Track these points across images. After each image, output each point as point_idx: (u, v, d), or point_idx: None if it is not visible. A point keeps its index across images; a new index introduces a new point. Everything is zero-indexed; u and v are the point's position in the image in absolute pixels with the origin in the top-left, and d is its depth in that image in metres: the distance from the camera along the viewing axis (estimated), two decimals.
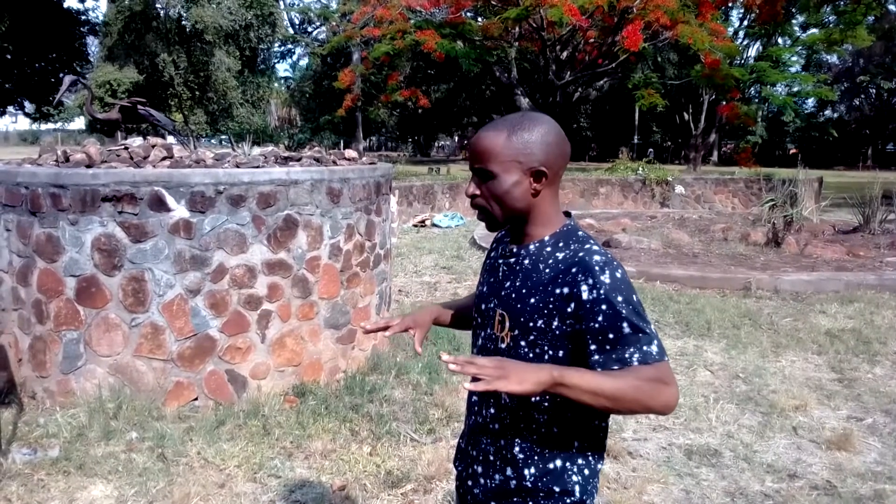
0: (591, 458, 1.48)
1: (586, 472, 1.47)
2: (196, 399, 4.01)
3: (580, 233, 1.46)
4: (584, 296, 1.34)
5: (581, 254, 1.38)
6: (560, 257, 1.41)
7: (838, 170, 35.01)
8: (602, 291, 1.33)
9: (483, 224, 1.56)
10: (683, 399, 4.30)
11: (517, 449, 1.46)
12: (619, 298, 1.33)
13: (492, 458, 1.51)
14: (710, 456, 3.58)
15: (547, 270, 1.42)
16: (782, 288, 7.00)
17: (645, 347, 1.32)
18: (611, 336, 1.32)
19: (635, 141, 35.85)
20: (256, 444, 3.57)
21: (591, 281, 1.34)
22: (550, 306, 1.38)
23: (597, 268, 1.34)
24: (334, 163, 4.88)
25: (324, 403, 4.04)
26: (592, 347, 1.34)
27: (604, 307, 1.33)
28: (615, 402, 1.28)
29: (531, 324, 1.41)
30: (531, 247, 1.47)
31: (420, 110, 35.45)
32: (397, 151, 43.58)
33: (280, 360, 4.22)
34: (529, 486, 1.45)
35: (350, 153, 5.39)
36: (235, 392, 4.08)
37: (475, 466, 1.55)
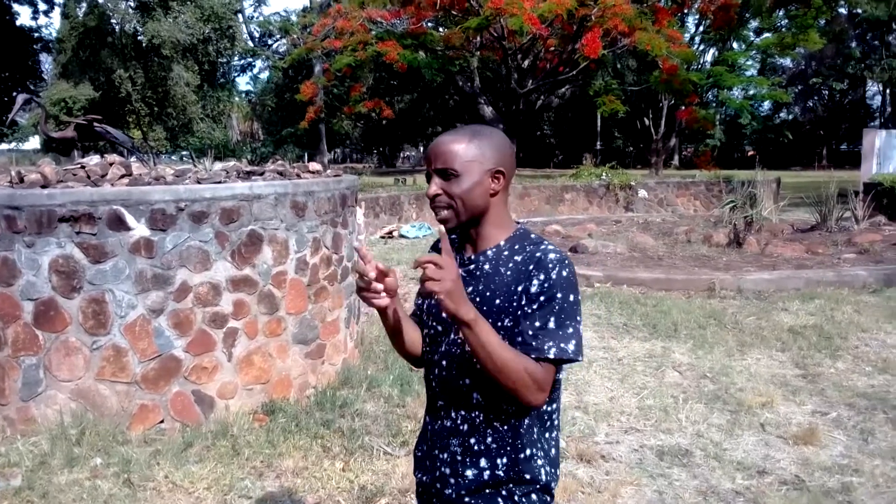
0: (548, 442, 1.57)
1: (552, 453, 1.58)
2: (162, 421, 3.92)
3: (533, 235, 1.57)
4: (533, 289, 1.46)
5: (538, 254, 1.49)
6: (518, 259, 1.52)
7: (795, 170, 35.88)
8: (546, 286, 1.45)
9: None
10: (653, 400, 4.35)
11: (490, 440, 1.53)
12: (559, 295, 1.45)
13: (460, 457, 1.55)
14: (681, 456, 3.62)
15: (508, 273, 1.51)
16: (745, 287, 7.13)
17: (562, 344, 1.44)
18: (538, 324, 1.44)
19: (598, 147, 36.29)
20: (226, 465, 3.50)
21: (541, 276, 1.46)
22: (515, 304, 1.48)
23: (549, 265, 1.46)
24: (298, 176, 4.84)
25: (294, 420, 3.98)
26: (518, 328, 1.45)
27: (542, 299, 1.45)
28: (497, 372, 1.40)
29: (498, 324, 1.49)
30: (489, 252, 1.56)
31: (384, 121, 35.45)
32: (362, 163, 43.46)
33: (248, 378, 4.15)
34: (502, 475, 1.52)
35: (314, 166, 5.35)
36: (202, 413, 4.00)
37: (443, 469, 1.58)
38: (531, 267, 1.47)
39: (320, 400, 4.30)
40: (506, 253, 1.54)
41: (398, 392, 4.42)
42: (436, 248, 1.72)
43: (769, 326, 5.87)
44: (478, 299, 1.51)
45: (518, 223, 1.60)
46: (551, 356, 1.42)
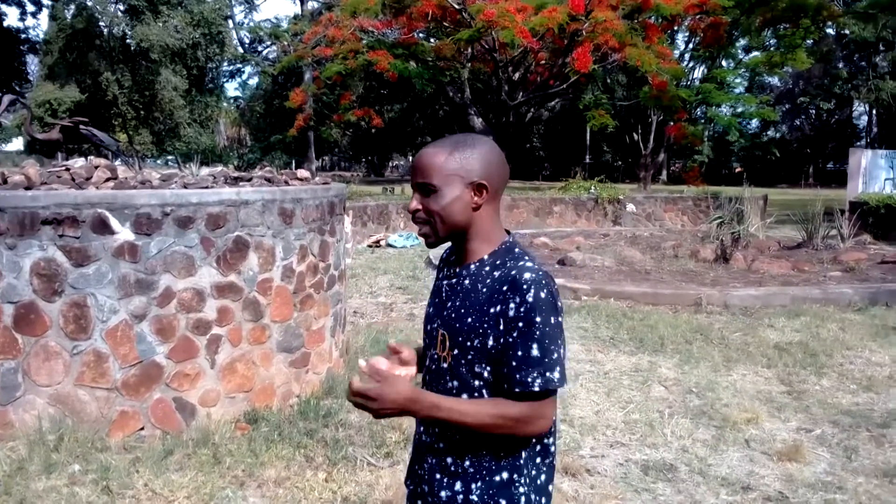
0: (538, 468, 1.50)
1: (541, 480, 1.49)
2: (142, 429, 3.86)
3: (517, 250, 1.50)
4: (510, 313, 1.39)
5: (514, 272, 1.42)
6: (496, 275, 1.45)
7: (782, 188, 36.21)
8: (523, 310, 1.38)
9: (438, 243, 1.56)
10: (639, 415, 4.34)
11: (467, 463, 1.47)
12: (538, 319, 1.38)
13: (438, 475, 1.51)
14: (665, 471, 3.60)
15: (484, 290, 1.45)
16: (731, 303, 7.15)
17: (548, 374, 1.39)
18: (520, 354, 1.38)
19: (587, 160, 36.48)
20: (206, 474, 3.44)
21: (517, 299, 1.39)
22: (486, 325, 1.42)
23: (524, 286, 1.39)
24: (286, 183, 4.81)
25: (277, 429, 3.93)
26: (503, 360, 1.41)
27: (521, 325, 1.38)
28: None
29: (468, 343, 1.44)
30: (472, 266, 1.51)
31: (373, 130, 35.50)
32: (351, 171, 43.45)
33: (230, 385, 4.10)
34: (476, 500, 1.46)
35: (302, 173, 5.32)
36: (184, 420, 3.95)
37: (422, 486, 1.55)
38: (505, 288, 1.41)
39: (304, 409, 4.25)
40: (487, 268, 1.48)
41: None
42: (441, 260, 1.71)
43: (755, 342, 5.89)
44: (454, 315, 1.48)
45: (508, 235, 1.54)
46: (536, 389, 1.38)
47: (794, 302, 7.14)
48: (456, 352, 1.46)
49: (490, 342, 1.42)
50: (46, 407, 3.75)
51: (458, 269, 1.53)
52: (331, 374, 4.75)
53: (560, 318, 1.42)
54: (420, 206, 1.49)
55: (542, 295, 1.39)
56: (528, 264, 1.44)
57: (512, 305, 1.39)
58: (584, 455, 3.79)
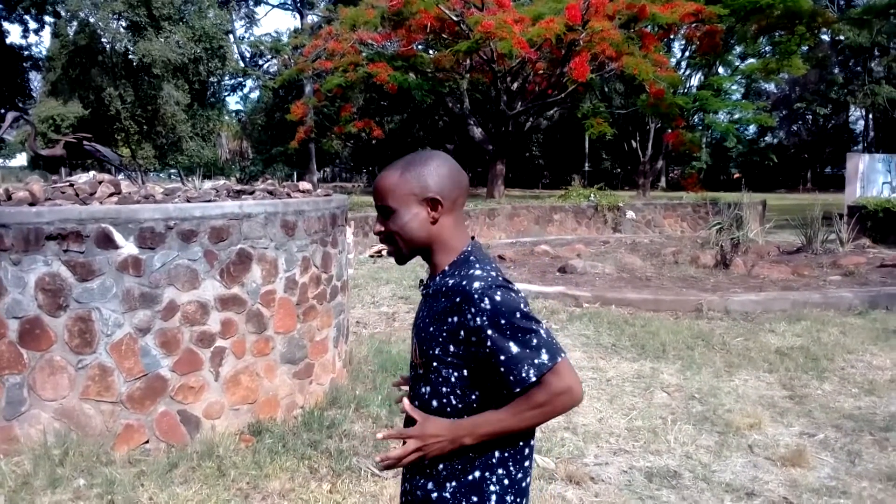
0: (511, 468, 1.53)
1: (506, 482, 1.52)
2: (147, 442, 3.87)
3: (472, 257, 1.54)
4: (470, 324, 1.44)
5: (463, 282, 1.47)
6: (450, 284, 1.51)
7: (780, 193, 36.26)
8: (484, 319, 1.42)
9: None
10: (642, 421, 4.34)
11: (440, 466, 1.53)
12: (502, 321, 1.42)
13: (417, 476, 1.58)
14: (669, 478, 3.61)
15: (443, 300, 1.52)
16: (732, 308, 7.17)
17: (536, 360, 1.41)
18: (503, 358, 1.42)
19: (586, 168, 36.54)
20: (211, 487, 3.46)
21: (473, 310, 1.43)
22: (445, 334, 1.49)
23: (475, 296, 1.43)
24: (288, 195, 4.84)
25: (281, 441, 3.95)
26: (492, 371, 1.45)
27: (489, 332, 1.42)
28: (528, 427, 1.48)
29: (431, 352, 1.51)
30: (437, 278, 1.58)
31: (374, 141, 35.59)
32: (352, 182, 43.55)
33: (235, 397, 4.11)
34: (448, 497, 1.52)
35: (304, 185, 5.36)
36: (188, 433, 3.96)
37: (405, 485, 1.63)
38: (458, 299, 1.46)
39: (308, 420, 4.26)
40: (445, 278, 1.54)
41: (386, 412, 4.40)
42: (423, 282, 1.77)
43: (756, 347, 5.90)
44: (421, 326, 1.56)
45: (470, 242, 1.58)
46: (533, 379, 1.41)
47: (794, 306, 7.16)
48: (424, 359, 1.54)
49: (452, 349, 1.48)
50: (51, 421, 3.77)
51: (429, 282, 1.61)
52: (334, 384, 4.77)
53: (525, 308, 1.45)
54: (383, 228, 1.57)
55: (498, 298, 1.43)
56: (477, 272, 1.48)
57: (469, 316, 1.43)
58: (587, 463, 3.80)
